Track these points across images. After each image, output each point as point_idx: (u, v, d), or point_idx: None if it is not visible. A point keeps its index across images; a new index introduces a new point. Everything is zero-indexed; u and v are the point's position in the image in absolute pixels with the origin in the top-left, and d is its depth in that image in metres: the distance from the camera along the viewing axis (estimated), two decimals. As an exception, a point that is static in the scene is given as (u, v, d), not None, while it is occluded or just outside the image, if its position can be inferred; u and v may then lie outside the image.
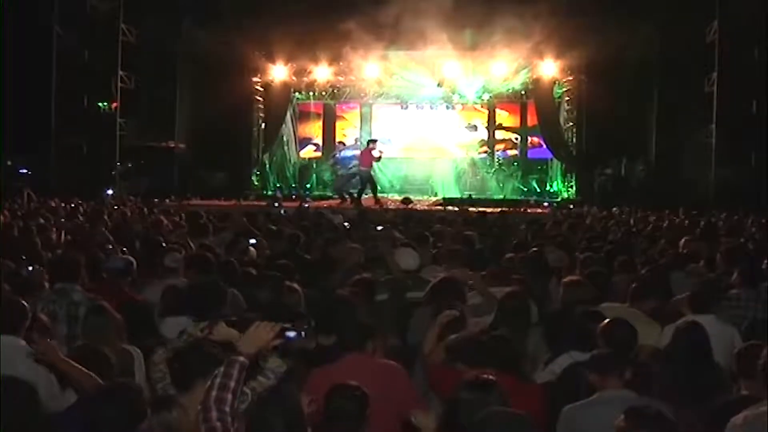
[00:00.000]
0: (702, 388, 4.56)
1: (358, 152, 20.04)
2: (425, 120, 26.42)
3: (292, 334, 3.51)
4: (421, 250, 8.07)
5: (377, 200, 19.80)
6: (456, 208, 18.29)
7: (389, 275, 7.28)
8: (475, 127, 26.25)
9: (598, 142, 23.37)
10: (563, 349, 4.92)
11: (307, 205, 18.15)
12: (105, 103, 24.57)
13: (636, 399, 3.81)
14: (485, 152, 19.25)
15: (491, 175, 25.41)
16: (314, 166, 26.83)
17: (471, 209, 16.83)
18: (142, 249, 8.66)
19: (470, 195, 23.12)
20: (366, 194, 20.31)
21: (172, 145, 24.77)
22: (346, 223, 12.52)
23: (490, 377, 3.75)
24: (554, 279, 7.34)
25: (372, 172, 20.19)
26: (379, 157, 20.13)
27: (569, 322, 5.12)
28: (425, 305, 5.91)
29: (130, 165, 24.76)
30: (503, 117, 26.43)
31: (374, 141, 20.52)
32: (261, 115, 25.91)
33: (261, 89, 25.52)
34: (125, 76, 23.96)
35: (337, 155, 19.31)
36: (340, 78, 25.14)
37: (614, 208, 17.87)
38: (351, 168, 19.73)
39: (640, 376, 4.12)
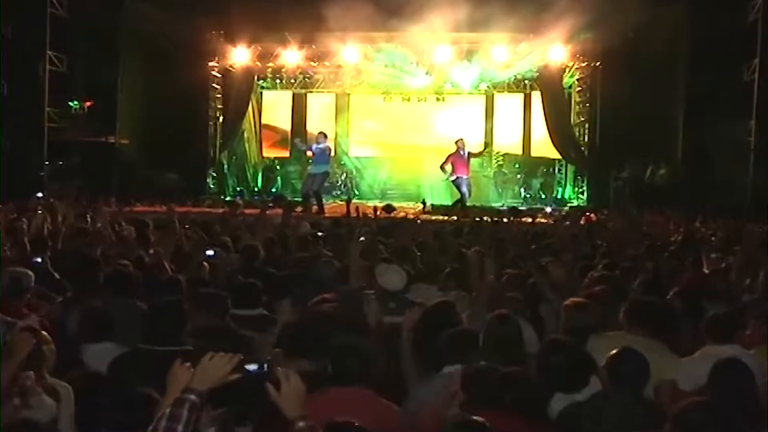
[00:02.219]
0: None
1: (328, 149, 19.93)
2: (412, 113, 26.57)
3: (252, 367, 3.46)
4: (406, 266, 8.06)
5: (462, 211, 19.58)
6: (447, 217, 18.28)
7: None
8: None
9: (614, 139, 23.40)
10: (560, 385, 4.87)
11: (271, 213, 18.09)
12: (31, 90, 24.40)
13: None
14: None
15: (489, 178, 25.53)
16: (281, 166, 26.86)
17: (464, 218, 16.80)
18: (71, 263, 8.60)
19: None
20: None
21: (113, 141, 24.62)
22: (319, 233, 12.53)
23: (479, 419, 3.75)
24: (559, 301, 7.34)
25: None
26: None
27: (567, 353, 5.09)
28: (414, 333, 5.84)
29: (61, 163, 24.61)
30: (503, 109, 26.63)
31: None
32: (219, 106, 25.89)
33: (219, 76, 25.50)
34: (55, 57, 23.78)
35: (312, 148, 19.04)
36: (313, 63, 25.18)
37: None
38: (320, 167, 19.54)
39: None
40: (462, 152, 19.97)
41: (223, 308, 6.31)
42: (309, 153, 20.25)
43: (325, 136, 20.00)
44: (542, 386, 4.78)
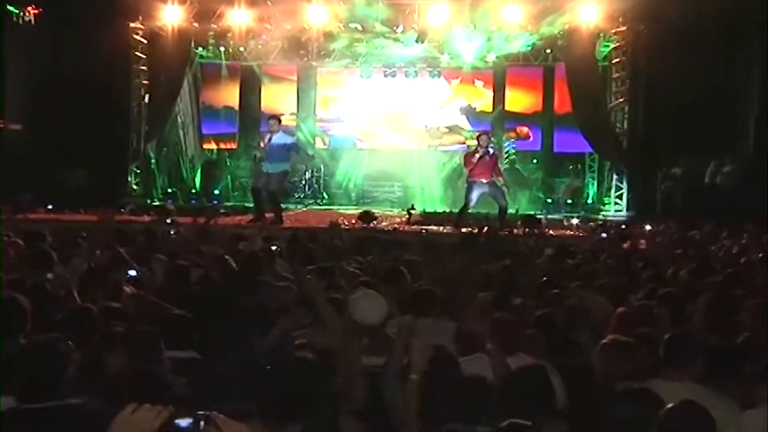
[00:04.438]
0: None
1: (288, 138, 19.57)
2: (398, 93, 26.65)
3: (184, 423, 3.44)
4: (388, 293, 7.99)
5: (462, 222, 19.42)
6: (443, 228, 18.24)
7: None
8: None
9: (663, 127, 23.46)
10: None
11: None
12: None
13: None
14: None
15: (503, 183, 25.53)
16: (227, 161, 26.79)
17: (466, 230, 16.79)
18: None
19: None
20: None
21: (0, 126, 24.48)
22: (273, 247, 12.46)
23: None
24: (591, 340, 7.31)
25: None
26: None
27: (608, 406, 5.08)
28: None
29: None
30: (517, 89, 26.71)
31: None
32: (144, 81, 25.77)
33: (143, 41, 25.37)
34: None
35: (267, 140, 18.87)
36: (268, 26, 25.12)
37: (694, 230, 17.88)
38: (278, 165, 19.26)
39: None
40: (484, 150, 19.60)
41: (151, 348, 6.20)
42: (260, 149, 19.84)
43: (279, 122, 19.49)
44: None
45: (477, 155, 19.02)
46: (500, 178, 19.71)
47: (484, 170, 19.25)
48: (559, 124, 26.17)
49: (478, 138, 19.71)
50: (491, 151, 19.39)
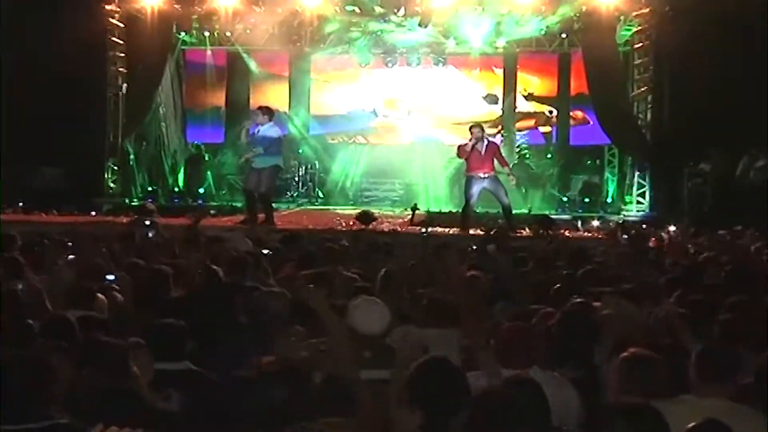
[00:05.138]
0: None
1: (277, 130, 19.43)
2: (400, 83, 26.72)
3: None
4: (387, 301, 7.96)
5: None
6: (450, 230, 18.28)
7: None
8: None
9: (690, 118, 23.38)
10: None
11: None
12: None
13: None
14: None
15: (509, 174, 25.48)
16: (211, 157, 26.76)
17: (474, 231, 16.76)
18: None
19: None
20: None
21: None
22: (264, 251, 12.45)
23: None
24: (612, 352, 7.26)
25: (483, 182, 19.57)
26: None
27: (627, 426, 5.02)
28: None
29: None
30: (529, 77, 26.77)
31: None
32: (121, 70, 25.77)
33: (121, 25, 25.36)
34: None
35: (253, 131, 18.71)
36: (256, 9, 25.15)
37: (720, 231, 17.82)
38: (268, 160, 19.08)
39: None
40: (477, 142, 19.50)
41: (125, 362, 6.15)
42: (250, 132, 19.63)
43: (269, 112, 19.29)
44: None
45: (468, 147, 19.09)
46: (506, 168, 19.93)
47: (481, 163, 19.25)
48: (575, 116, 26.17)
49: (471, 129, 19.64)
50: (486, 141, 19.38)
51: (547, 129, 26.55)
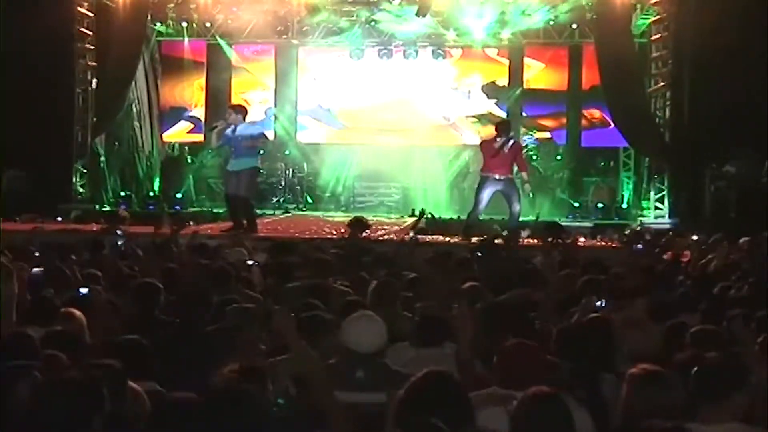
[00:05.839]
0: None
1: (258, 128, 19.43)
2: (395, 78, 26.70)
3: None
4: (381, 316, 7.91)
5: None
6: (450, 239, 18.29)
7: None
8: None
9: (712, 117, 23.36)
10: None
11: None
12: None
13: None
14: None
15: (525, 181, 25.46)
16: (194, 159, 26.74)
17: (477, 239, 16.73)
18: None
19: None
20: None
21: None
22: (251, 262, 12.45)
23: None
24: (625, 369, 7.24)
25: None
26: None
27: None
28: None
29: None
30: (537, 72, 26.76)
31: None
32: (91, 63, 25.82)
33: (90, 15, 25.36)
34: None
35: (229, 132, 18.66)
36: (240, -3, 25.19)
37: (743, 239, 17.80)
38: (245, 161, 19.01)
39: None
40: (501, 141, 19.31)
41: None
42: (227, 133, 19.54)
43: (242, 110, 19.16)
44: None
45: (498, 144, 18.72)
46: (524, 174, 19.69)
47: (501, 164, 18.96)
48: (588, 115, 26.16)
49: (497, 127, 19.45)
50: (512, 141, 19.18)
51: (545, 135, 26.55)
